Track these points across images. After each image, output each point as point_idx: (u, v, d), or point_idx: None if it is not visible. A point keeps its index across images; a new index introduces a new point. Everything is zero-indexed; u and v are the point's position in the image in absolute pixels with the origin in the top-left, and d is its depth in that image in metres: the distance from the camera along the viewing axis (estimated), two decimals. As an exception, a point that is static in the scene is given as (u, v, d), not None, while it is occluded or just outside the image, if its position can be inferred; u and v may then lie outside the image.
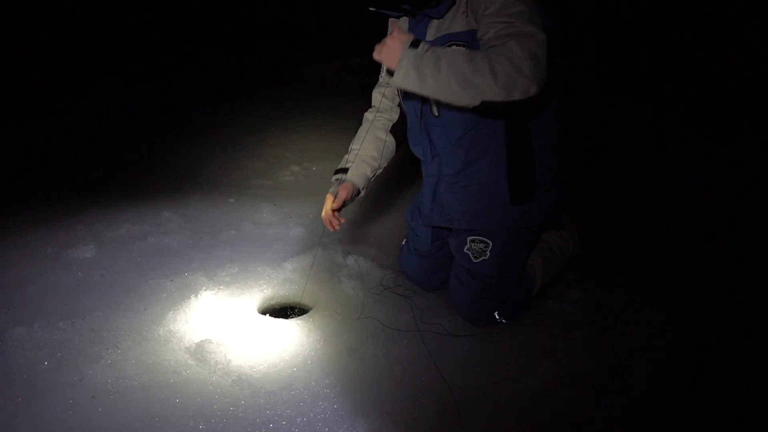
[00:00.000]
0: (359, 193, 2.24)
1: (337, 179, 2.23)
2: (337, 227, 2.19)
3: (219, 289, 2.35)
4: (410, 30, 2.00)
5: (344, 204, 2.18)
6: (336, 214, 2.17)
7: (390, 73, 1.68)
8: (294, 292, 2.37)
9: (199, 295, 2.25)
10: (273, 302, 2.34)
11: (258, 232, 2.89)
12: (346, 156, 2.27)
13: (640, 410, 1.73)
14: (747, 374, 1.90)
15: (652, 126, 4.96)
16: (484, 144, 1.95)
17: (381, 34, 1.82)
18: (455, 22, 1.84)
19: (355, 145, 2.26)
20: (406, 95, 2.08)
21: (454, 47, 1.74)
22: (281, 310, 2.30)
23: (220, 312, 2.18)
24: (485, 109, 1.60)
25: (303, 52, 6.93)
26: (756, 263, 2.63)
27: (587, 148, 4.28)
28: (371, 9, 1.96)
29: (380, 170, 2.27)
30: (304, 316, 2.21)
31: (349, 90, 6.45)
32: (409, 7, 1.93)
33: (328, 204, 2.16)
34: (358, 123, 2.32)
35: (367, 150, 2.24)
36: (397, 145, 2.29)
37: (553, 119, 1.97)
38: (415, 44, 1.63)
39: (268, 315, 2.21)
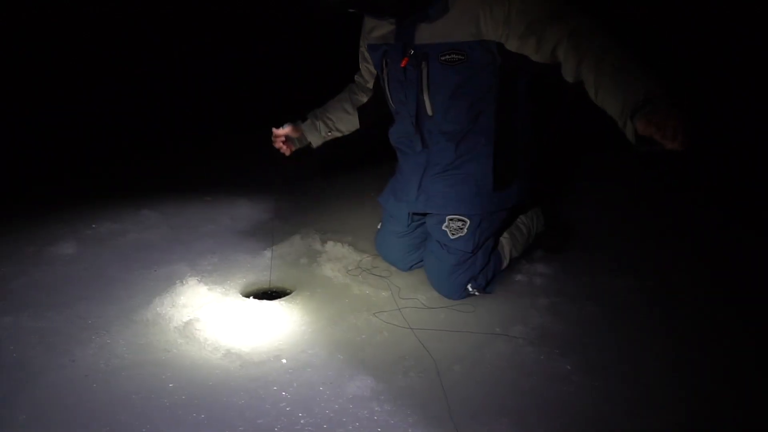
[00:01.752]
0: (307, 142, 2.50)
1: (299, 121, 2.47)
2: (283, 150, 2.46)
3: (202, 276, 2.42)
4: (398, 32, 2.08)
5: (292, 142, 2.47)
6: (281, 138, 2.44)
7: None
8: (274, 278, 2.45)
9: (183, 282, 2.32)
10: (255, 287, 2.42)
11: (236, 225, 2.97)
12: (316, 109, 2.49)
13: (604, 361, 1.87)
14: (696, 334, 2.07)
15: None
16: (474, 140, 2.13)
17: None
18: (457, 30, 1.94)
19: (326, 105, 2.49)
20: (397, 95, 2.20)
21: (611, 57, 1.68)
22: (263, 294, 2.39)
23: (205, 296, 2.26)
24: None
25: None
26: (714, 232, 2.84)
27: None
28: (351, 11, 2.05)
29: (337, 133, 2.50)
30: (287, 297, 2.30)
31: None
32: (396, 19, 2.05)
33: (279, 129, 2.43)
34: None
35: (330, 113, 2.46)
36: (362, 123, 2.47)
37: (531, 112, 2.19)
38: (665, 97, 1.52)
39: (251, 297, 2.30)
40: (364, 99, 2.45)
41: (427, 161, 2.23)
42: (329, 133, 2.47)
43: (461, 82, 2.01)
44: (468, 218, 2.21)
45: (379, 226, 2.58)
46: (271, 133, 2.44)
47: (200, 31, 6.50)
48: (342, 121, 2.46)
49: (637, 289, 2.37)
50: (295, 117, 2.48)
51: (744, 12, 5.03)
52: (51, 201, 3.29)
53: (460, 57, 1.97)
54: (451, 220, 2.23)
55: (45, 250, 2.65)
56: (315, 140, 2.48)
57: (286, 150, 2.46)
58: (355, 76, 2.49)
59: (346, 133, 2.51)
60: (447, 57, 1.98)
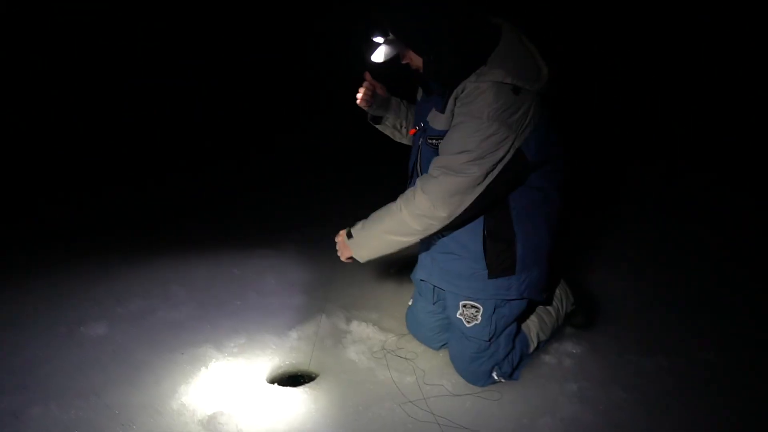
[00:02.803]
0: (384, 112, 2.40)
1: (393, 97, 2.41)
2: (366, 95, 2.31)
3: (228, 360, 2.43)
4: (419, 105, 2.23)
5: (372, 101, 2.33)
6: (370, 88, 2.31)
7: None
8: (300, 360, 2.45)
9: (209, 367, 2.34)
10: (281, 371, 2.42)
11: (263, 301, 2.99)
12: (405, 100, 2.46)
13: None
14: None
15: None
16: (463, 216, 2.07)
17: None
18: (442, 120, 2.00)
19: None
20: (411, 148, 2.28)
21: (380, 211, 2.06)
22: (289, 378, 2.38)
23: (230, 383, 2.26)
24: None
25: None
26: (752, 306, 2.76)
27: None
28: (404, 62, 2.09)
29: (404, 131, 2.45)
30: (311, 383, 2.29)
31: (353, 152, 6.65)
32: (426, 87, 2.13)
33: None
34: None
35: (413, 113, 2.40)
36: None
37: (540, 204, 2.10)
38: (349, 234, 2.13)
39: (276, 384, 2.30)
40: None
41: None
42: (402, 123, 2.42)
43: None
44: (481, 305, 2.18)
45: (410, 303, 2.57)
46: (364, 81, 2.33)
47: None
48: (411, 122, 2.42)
49: (667, 370, 2.31)
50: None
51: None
52: (83, 275, 3.37)
53: (439, 142, 2.02)
54: (464, 306, 2.21)
55: (77, 330, 2.70)
56: (390, 118, 2.41)
57: (366, 99, 2.31)
58: None
59: (406, 140, 2.45)
60: (432, 141, 2.06)
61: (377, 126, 2.46)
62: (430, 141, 2.07)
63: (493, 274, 2.11)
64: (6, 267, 3.52)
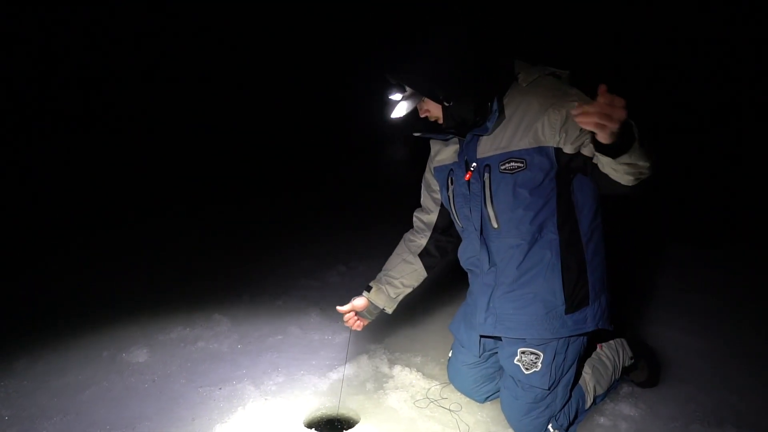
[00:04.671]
0: (380, 309, 2.38)
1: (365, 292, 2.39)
2: (355, 327, 2.37)
3: (266, 399, 2.37)
4: (462, 150, 2.10)
5: (364, 316, 2.37)
6: (352, 317, 2.35)
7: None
8: (339, 403, 2.36)
9: (246, 407, 2.27)
10: (318, 414, 2.34)
11: (305, 337, 2.93)
12: (378, 273, 2.42)
13: None
14: None
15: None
16: (540, 253, 2.02)
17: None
18: (516, 138, 1.93)
19: (386, 265, 2.42)
20: (462, 211, 2.16)
21: None
22: (327, 423, 2.29)
23: (266, 426, 2.18)
24: (634, 190, 1.72)
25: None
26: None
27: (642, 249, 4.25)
28: (416, 135, 2.10)
29: (407, 290, 2.40)
30: (350, 430, 2.20)
31: (401, 189, 6.61)
32: (455, 131, 2.05)
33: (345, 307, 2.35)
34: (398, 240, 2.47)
35: (392, 272, 2.39)
36: (428, 269, 2.40)
37: (600, 226, 2.06)
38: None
39: (313, 429, 2.21)
40: (423, 241, 2.38)
41: (495, 280, 2.13)
42: (399, 293, 2.39)
43: (522, 190, 1.95)
44: (541, 351, 2.06)
45: (449, 355, 2.46)
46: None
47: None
48: (406, 274, 2.38)
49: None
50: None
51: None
52: (129, 299, 3.40)
53: (519, 165, 1.94)
54: (523, 353, 2.08)
55: (118, 356, 2.70)
56: (387, 306, 2.39)
57: (359, 326, 2.38)
58: (414, 217, 2.42)
59: (416, 285, 2.41)
60: (507, 165, 1.96)
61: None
62: (504, 167, 1.96)
63: (570, 309, 2.02)
64: (56, 289, 3.59)
